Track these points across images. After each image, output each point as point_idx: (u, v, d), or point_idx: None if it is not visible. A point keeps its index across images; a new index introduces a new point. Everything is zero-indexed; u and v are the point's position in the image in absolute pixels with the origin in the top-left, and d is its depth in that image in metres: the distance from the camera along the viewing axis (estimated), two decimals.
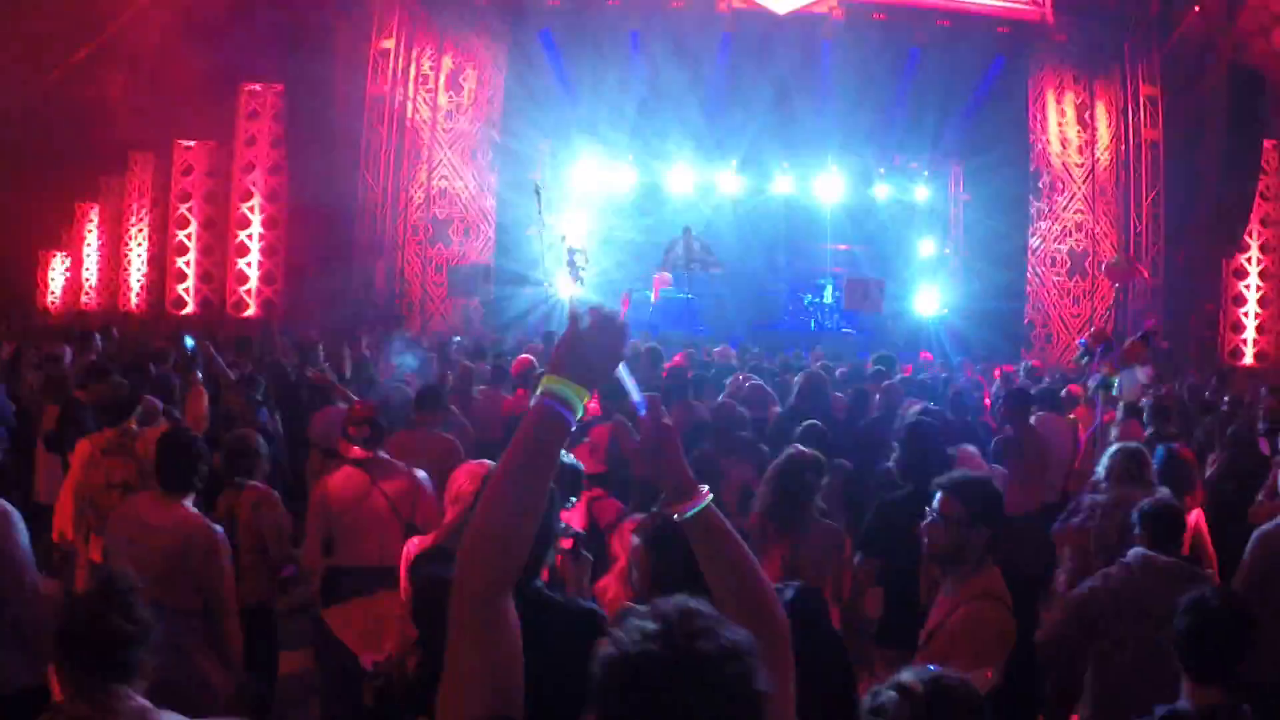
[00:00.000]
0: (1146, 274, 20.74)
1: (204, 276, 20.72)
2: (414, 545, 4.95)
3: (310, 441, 9.31)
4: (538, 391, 2.36)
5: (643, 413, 2.51)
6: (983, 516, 4.51)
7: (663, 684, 1.85)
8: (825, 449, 6.58)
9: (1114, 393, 11.92)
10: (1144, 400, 11.82)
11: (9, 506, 5.37)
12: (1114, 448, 7.23)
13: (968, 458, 7.51)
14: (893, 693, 2.70)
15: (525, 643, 2.32)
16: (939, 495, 4.59)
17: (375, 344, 15.30)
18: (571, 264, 20.14)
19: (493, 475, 2.40)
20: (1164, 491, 5.89)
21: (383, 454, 6.53)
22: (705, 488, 2.51)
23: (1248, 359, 20.59)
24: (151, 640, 3.53)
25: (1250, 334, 20.77)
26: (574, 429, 2.42)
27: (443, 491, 5.47)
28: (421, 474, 6.48)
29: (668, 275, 22.09)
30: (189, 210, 20.55)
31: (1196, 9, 19.95)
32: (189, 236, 20.54)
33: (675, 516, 2.51)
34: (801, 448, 5.96)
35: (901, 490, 6.23)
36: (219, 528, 5.39)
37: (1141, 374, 13.75)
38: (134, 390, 7.87)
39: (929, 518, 4.56)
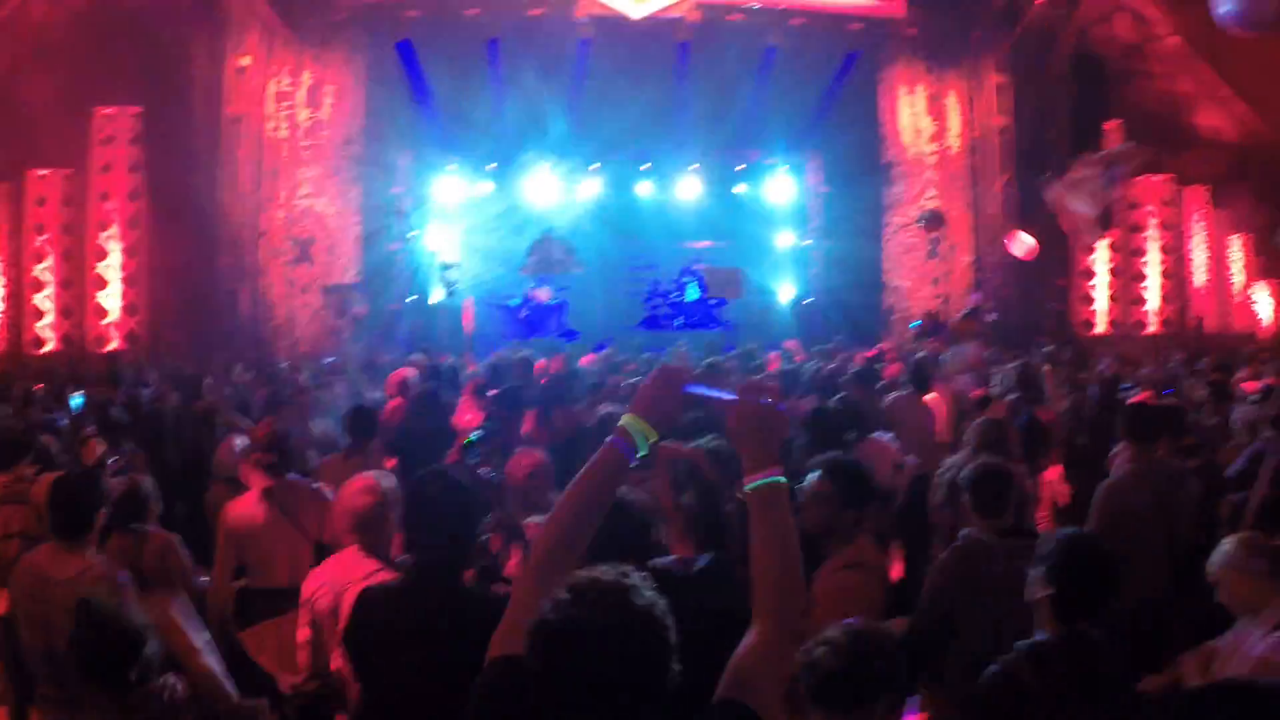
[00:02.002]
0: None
1: (64, 311, 20.67)
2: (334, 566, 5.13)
3: (210, 473, 9.08)
4: (618, 426, 2.96)
5: (739, 398, 2.92)
6: (852, 497, 5.13)
7: (567, 646, 2.36)
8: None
9: (946, 367, 13.79)
10: (970, 374, 13.28)
11: None
12: (980, 420, 8.27)
13: (880, 446, 8.42)
14: (821, 647, 3.39)
15: None
16: (815, 476, 5.19)
17: (255, 372, 16.32)
18: (444, 279, 21.52)
19: (564, 494, 2.97)
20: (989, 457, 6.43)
21: (289, 475, 6.87)
22: (780, 469, 2.90)
23: (1100, 328, 22.60)
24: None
25: (1102, 304, 22.78)
26: (635, 465, 2.97)
27: None
28: (328, 491, 6.59)
29: (548, 289, 23.47)
30: (45, 242, 20.56)
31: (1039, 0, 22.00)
32: (48, 269, 20.55)
33: (746, 485, 2.89)
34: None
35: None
36: (124, 573, 5.48)
37: (971, 349, 15.78)
38: (26, 432, 8.09)
39: (803, 497, 5.10)
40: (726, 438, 3.09)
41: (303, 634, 5.04)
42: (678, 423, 3.06)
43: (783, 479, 2.87)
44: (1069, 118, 21.95)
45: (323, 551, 6.10)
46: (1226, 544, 5.18)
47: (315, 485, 6.94)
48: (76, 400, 12.18)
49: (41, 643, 5.34)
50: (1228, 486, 8.05)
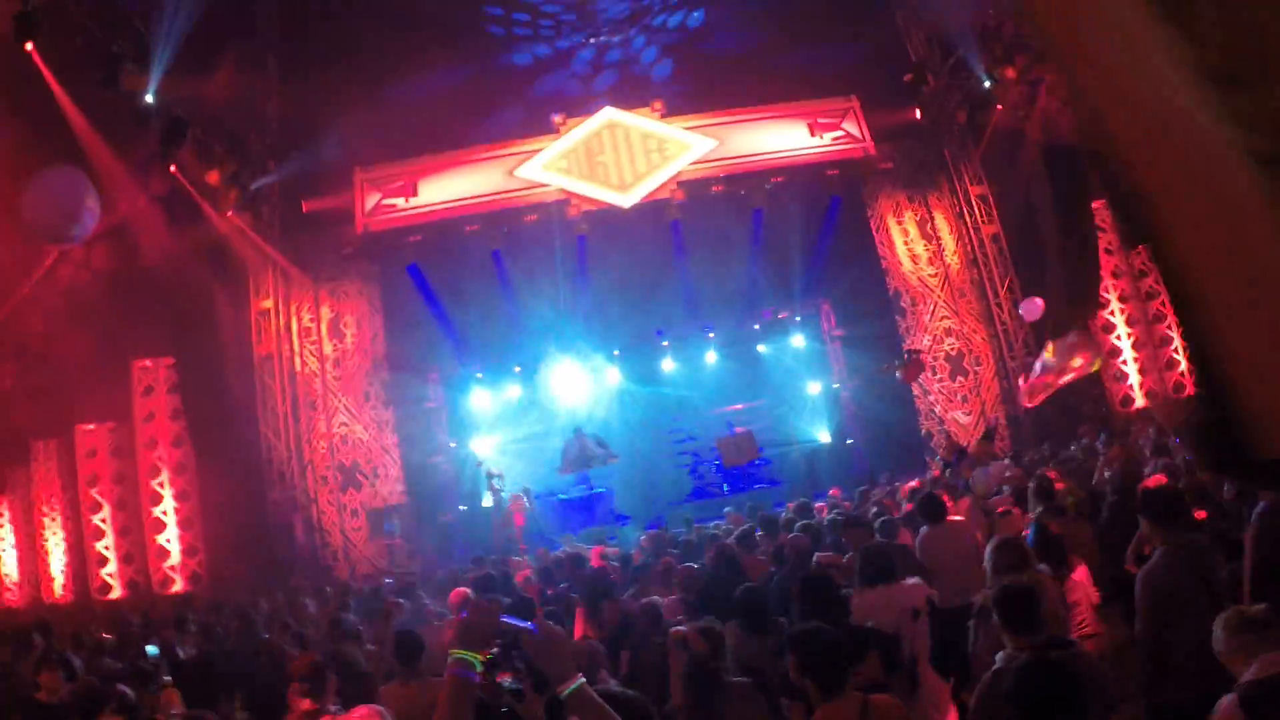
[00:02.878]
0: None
1: (125, 558, 22.01)
2: None
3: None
4: (450, 660, 3.53)
5: (533, 629, 3.65)
6: (806, 668, 5.54)
7: None
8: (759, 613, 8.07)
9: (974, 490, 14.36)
10: (1004, 488, 13.70)
11: None
12: (990, 543, 8.25)
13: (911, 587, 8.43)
14: None
15: None
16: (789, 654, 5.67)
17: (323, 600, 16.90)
18: (490, 484, 22.63)
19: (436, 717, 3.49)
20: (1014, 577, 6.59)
21: (331, 708, 6.98)
22: (581, 674, 3.64)
23: (1139, 402, 22.77)
24: None
25: (1134, 379, 23.08)
26: (477, 681, 3.54)
27: None
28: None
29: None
30: (99, 493, 22.03)
31: (1000, 105, 23.06)
32: (104, 520, 21.98)
33: (560, 693, 3.60)
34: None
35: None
36: None
37: (994, 468, 16.38)
38: (104, 682, 8.42)
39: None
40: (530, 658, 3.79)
41: None
42: (490, 644, 3.63)
43: (582, 681, 3.63)
44: (1053, 208, 22.82)
45: None
46: (1215, 629, 5.41)
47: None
48: (152, 650, 12.53)
49: None
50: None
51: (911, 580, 8.55)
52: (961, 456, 19.67)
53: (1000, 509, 11.16)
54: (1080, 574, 8.70)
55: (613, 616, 9.71)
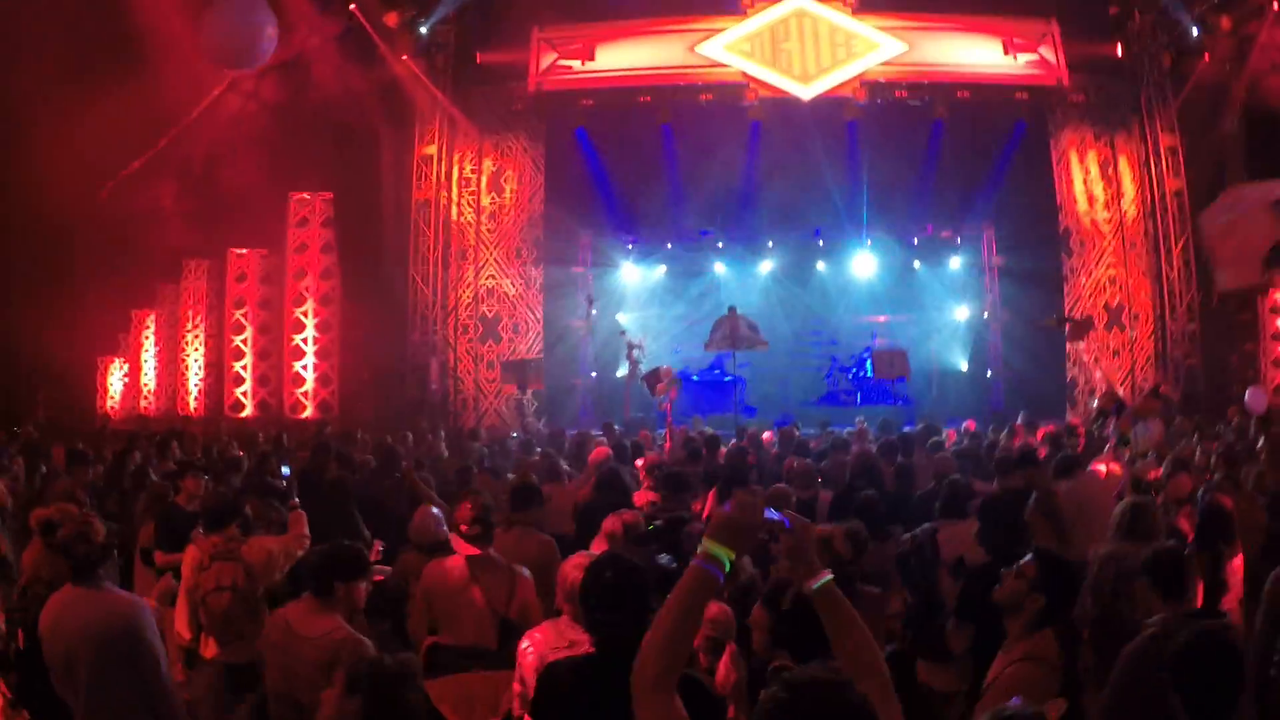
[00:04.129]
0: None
1: (261, 380, 22.65)
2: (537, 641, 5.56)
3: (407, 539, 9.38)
4: (700, 551, 3.37)
5: (787, 523, 3.46)
6: (1044, 585, 5.20)
7: None
8: (878, 520, 8.10)
9: (1130, 447, 13.92)
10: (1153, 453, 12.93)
11: (144, 603, 6.61)
12: (1123, 503, 8.05)
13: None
14: None
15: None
16: (1028, 556, 5.37)
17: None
18: (629, 356, 22.56)
19: (662, 609, 3.39)
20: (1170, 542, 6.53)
21: (491, 551, 7.32)
22: (828, 570, 3.45)
23: None
24: None
25: None
26: (722, 581, 3.41)
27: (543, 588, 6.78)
28: (524, 571, 7.24)
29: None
30: (244, 316, 22.60)
31: (1207, 56, 22.10)
32: (245, 342, 22.57)
33: (806, 589, 3.46)
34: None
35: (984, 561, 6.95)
36: (368, 641, 6.00)
37: (1154, 427, 15.85)
38: (238, 496, 8.73)
39: (1013, 568, 5.33)
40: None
41: (516, 686, 5.53)
42: (754, 546, 3.58)
43: (829, 578, 3.45)
44: (1245, 174, 21.97)
45: (507, 626, 6.92)
46: None
47: (512, 566, 7.31)
48: (285, 469, 12.54)
49: (285, 689, 6.08)
50: None
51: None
52: (1121, 409, 19.15)
53: (1152, 474, 10.61)
54: (1237, 563, 8.22)
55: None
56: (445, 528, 8.41)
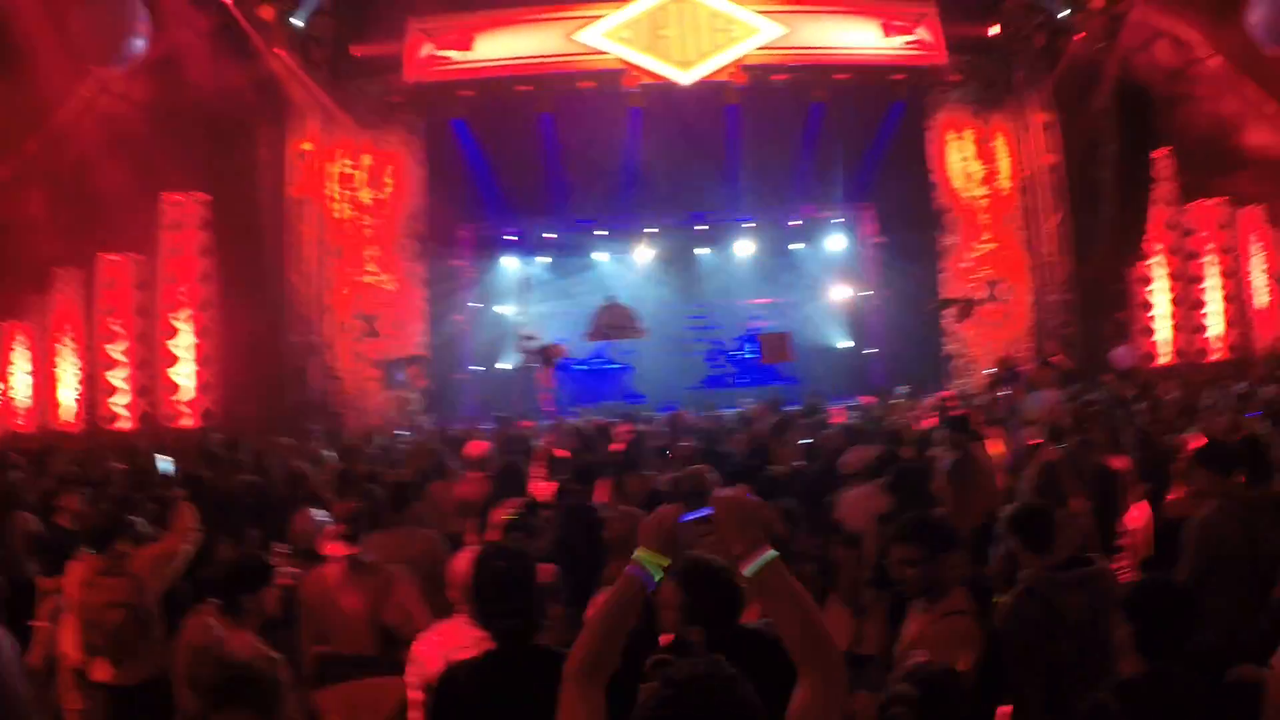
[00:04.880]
0: None
1: (140, 390, 21.67)
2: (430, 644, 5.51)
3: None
4: (633, 557, 3.38)
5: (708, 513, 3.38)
6: (939, 550, 5.37)
7: None
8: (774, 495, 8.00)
9: (1024, 414, 14.15)
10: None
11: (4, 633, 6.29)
12: (1028, 470, 8.53)
13: None
14: (897, 691, 3.80)
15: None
16: (895, 546, 5.48)
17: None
18: (523, 347, 22.33)
19: (595, 612, 3.45)
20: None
21: (360, 552, 7.19)
22: (770, 548, 3.24)
23: (1164, 359, 22.69)
24: None
25: (1164, 335, 22.92)
26: (651, 588, 3.40)
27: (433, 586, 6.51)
28: (402, 572, 7.11)
29: (563, 347, 24.12)
30: (118, 324, 21.57)
31: (1080, 34, 22.23)
32: (121, 351, 21.60)
33: (745, 571, 3.24)
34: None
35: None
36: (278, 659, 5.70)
37: (1047, 395, 16.14)
38: (118, 512, 8.29)
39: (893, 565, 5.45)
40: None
41: (414, 695, 5.40)
42: (676, 548, 3.44)
43: (774, 553, 3.22)
44: (1117, 149, 22.41)
45: (384, 629, 6.81)
46: None
47: (387, 568, 7.20)
48: (165, 465, 12.73)
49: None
50: None
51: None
52: (1014, 378, 19.52)
53: (1031, 441, 11.09)
54: (1138, 517, 8.81)
55: (640, 490, 9.62)
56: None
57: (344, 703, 6.48)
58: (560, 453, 11.70)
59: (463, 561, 5.57)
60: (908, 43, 23.29)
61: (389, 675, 6.15)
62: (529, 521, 7.13)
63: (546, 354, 20.50)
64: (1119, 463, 9.50)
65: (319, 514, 8.89)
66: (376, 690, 6.38)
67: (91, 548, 7.56)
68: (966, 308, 22.93)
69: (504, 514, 6.93)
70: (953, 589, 5.37)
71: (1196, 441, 8.46)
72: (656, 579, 3.40)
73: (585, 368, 24.25)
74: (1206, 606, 6.05)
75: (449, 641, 5.35)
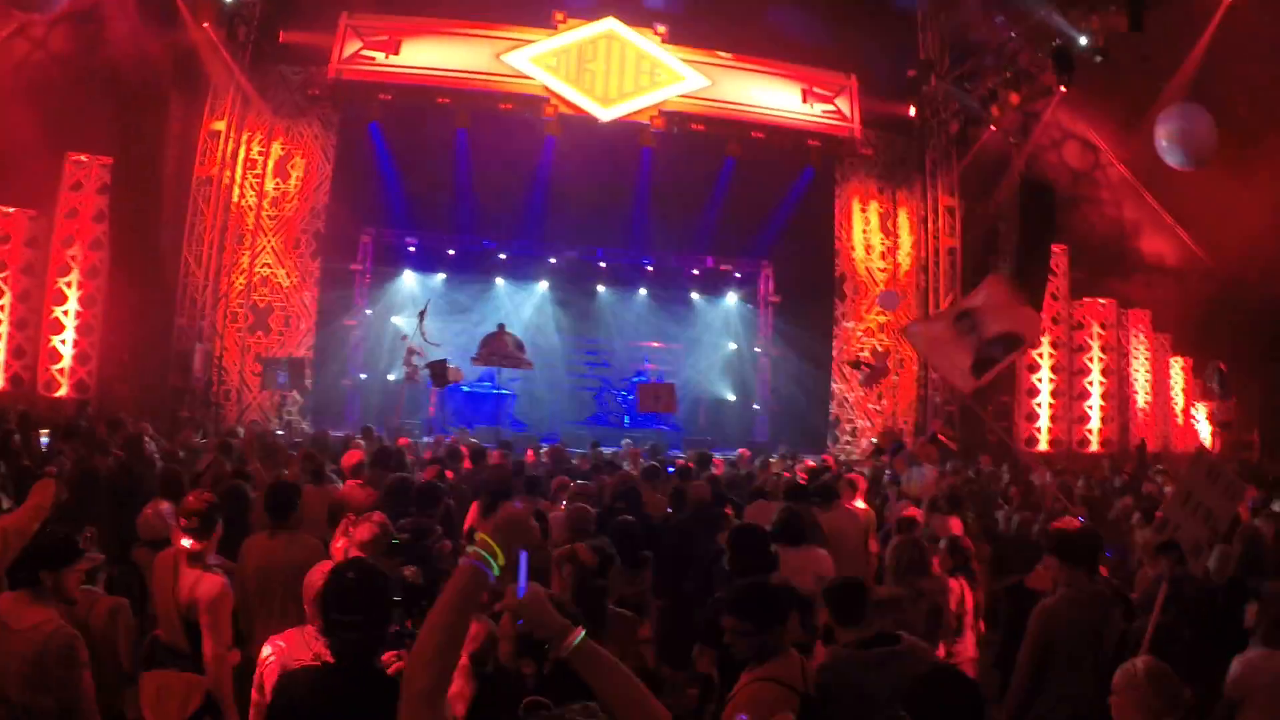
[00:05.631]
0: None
1: (15, 352, 20.71)
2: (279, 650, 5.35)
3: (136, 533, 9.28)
4: (472, 549, 3.27)
5: (522, 591, 3.32)
6: (768, 622, 5.36)
7: None
8: (635, 544, 8.06)
9: (903, 487, 14.40)
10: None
11: None
12: (892, 544, 8.57)
13: (814, 556, 8.60)
14: None
15: None
16: (725, 617, 5.43)
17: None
18: (409, 363, 22.03)
19: (431, 612, 3.21)
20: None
21: (210, 553, 6.91)
22: (580, 628, 3.30)
23: (1042, 445, 23.13)
24: None
25: (1044, 423, 23.38)
26: (491, 581, 3.27)
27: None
28: (214, 574, 6.73)
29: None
30: (3, 280, 20.64)
31: (993, 127, 22.99)
32: (1, 309, 20.64)
33: (563, 653, 3.27)
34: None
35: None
36: (77, 634, 5.66)
37: (930, 472, 16.41)
38: None
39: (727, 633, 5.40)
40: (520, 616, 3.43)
41: (254, 695, 5.34)
42: (519, 548, 3.36)
43: (584, 634, 3.29)
44: (1017, 239, 22.99)
45: (192, 626, 6.58)
46: (1120, 671, 5.24)
47: (207, 567, 6.85)
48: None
49: None
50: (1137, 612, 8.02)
51: (821, 550, 8.75)
52: (899, 449, 19.79)
53: (905, 513, 11.02)
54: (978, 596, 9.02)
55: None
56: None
57: (156, 688, 6.45)
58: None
59: (318, 574, 5.50)
60: (826, 111, 23.90)
61: (196, 673, 6.35)
62: (408, 546, 7.07)
63: (446, 374, 20.21)
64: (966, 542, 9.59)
65: (165, 506, 8.79)
66: (184, 684, 6.40)
67: None
68: (875, 373, 23.20)
69: (369, 529, 6.69)
70: (782, 653, 5.39)
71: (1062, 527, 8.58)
72: (495, 572, 3.29)
73: (467, 389, 23.88)
74: (1044, 698, 6.57)
75: (293, 650, 5.31)
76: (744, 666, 5.41)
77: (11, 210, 20.92)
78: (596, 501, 10.94)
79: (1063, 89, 21.05)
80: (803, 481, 13.50)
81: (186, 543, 6.74)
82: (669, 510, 11.37)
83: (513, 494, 10.56)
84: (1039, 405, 23.64)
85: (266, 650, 5.36)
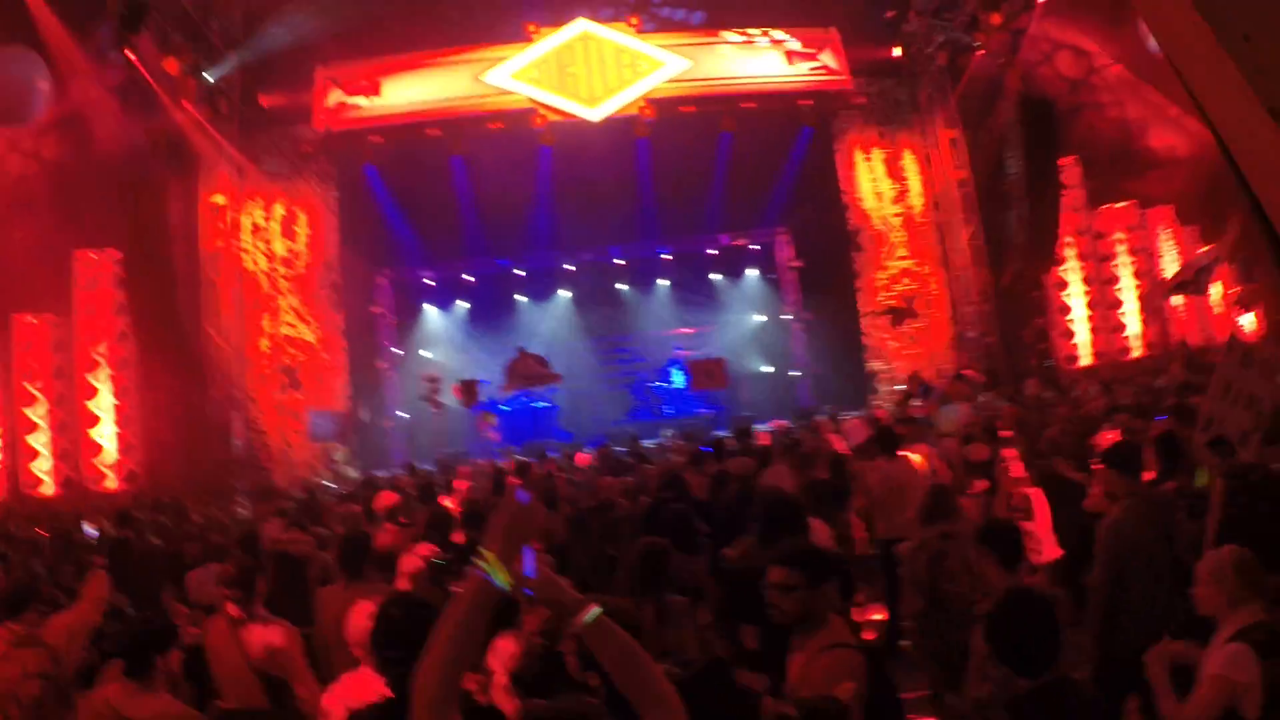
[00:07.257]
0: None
1: (61, 455, 20.95)
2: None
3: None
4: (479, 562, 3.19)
5: (531, 571, 3.21)
6: (818, 580, 5.26)
7: None
8: (689, 532, 8.03)
9: (937, 427, 14.24)
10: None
11: None
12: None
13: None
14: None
15: None
16: (774, 569, 5.28)
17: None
18: (427, 392, 22.12)
19: (443, 619, 3.21)
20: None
21: (259, 610, 6.99)
22: (593, 604, 3.30)
23: (1084, 360, 22.68)
24: None
25: (1083, 337, 22.88)
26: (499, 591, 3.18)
27: None
28: (284, 630, 6.87)
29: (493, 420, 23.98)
30: (37, 388, 20.99)
31: (981, 51, 22.63)
32: (41, 415, 20.95)
33: (576, 628, 3.32)
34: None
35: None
36: (201, 715, 5.82)
37: (962, 408, 16.25)
38: (33, 580, 8.35)
39: (769, 590, 5.27)
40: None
41: None
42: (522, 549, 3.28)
43: (599, 610, 3.30)
44: (1024, 160, 22.58)
45: (273, 684, 6.65)
46: (1203, 562, 5.33)
47: (276, 623, 7.00)
48: (91, 531, 12.73)
49: None
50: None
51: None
52: (927, 392, 19.65)
53: (977, 456, 11.24)
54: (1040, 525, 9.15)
55: (554, 526, 9.84)
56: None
57: None
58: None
59: (359, 615, 5.60)
60: (813, 69, 23.63)
61: None
62: (449, 568, 7.08)
63: (471, 390, 20.30)
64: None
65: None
66: None
67: (5, 617, 7.32)
68: (900, 314, 23.02)
69: (414, 562, 6.91)
70: (830, 618, 5.32)
71: (1108, 440, 8.73)
72: (500, 583, 3.22)
73: (509, 409, 23.96)
74: (1127, 610, 6.49)
75: (353, 692, 5.30)
76: (789, 636, 5.34)
77: (33, 318, 21.24)
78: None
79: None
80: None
81: (233, 607, 6.91)
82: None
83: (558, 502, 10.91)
84: (1072, 322, 23.09)
85: (330, 697, 5.47)
